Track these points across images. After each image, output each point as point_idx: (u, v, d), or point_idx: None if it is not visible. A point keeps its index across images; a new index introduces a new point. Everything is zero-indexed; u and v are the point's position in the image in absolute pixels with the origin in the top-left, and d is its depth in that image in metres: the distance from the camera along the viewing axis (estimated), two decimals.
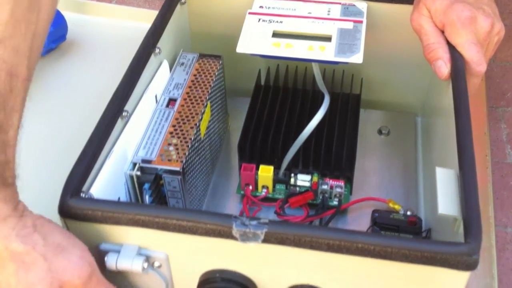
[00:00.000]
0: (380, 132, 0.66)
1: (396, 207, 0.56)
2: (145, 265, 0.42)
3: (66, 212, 0.41)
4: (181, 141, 0.52)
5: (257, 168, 0.57)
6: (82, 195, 0.42)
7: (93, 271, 0.40)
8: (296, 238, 0.39)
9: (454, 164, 0.45)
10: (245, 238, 0.40)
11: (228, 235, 0.40)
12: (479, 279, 0.51)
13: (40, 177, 0.55)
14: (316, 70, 0.59)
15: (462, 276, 0.39)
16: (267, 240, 0.39)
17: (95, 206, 0.41)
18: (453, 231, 0.43)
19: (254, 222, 0.39)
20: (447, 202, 0.42)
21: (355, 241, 0.38)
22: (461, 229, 0.41)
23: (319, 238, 0.39)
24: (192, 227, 0.40)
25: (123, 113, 0.49)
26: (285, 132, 0.58)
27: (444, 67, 0.51)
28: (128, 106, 0.50)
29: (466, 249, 0.38)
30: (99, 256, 0.43)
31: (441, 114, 0.55)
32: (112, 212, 0.41)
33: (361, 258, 0.39)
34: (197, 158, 0.54)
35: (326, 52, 0.53)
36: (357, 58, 0.53)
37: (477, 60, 0.51)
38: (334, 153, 0.57)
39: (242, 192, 0.58)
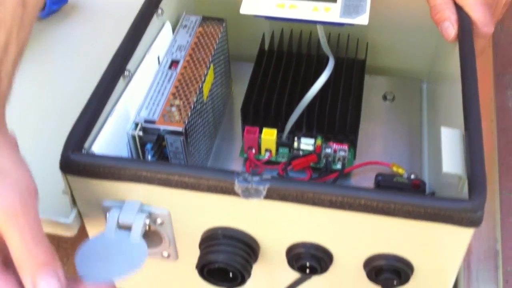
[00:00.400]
0: (385, 98, 0.65)
1: (400, 171, 0.55)
2: (147, 221, 0.42)
3: (67, 167, 0.41)
4: (183, 103, 0.51)
5: (260, 131, 0.56)
6: (84, 151, 0.42)
7: (23, 212, 0.35)
8: (299, 194, 0.39)
9: (459, 125, 0.44)
10: (247, 194, 0.39)
11: (230, 191, 0.39)
12: (482, 241, 0.51)
13: (43, 135, 0.54)
14: (320, 32, 0.58)
15: (466, 233, 0.38)
16: (269, 196, 0.39)
17: (97, 161, 0.41)
18: (457, 192, 0.43)
19: (256, 178, 0.39)
20: (451, 161, 0.42)
21: (358, 197, 0.38)
22: (465, 189, 0.40)
23: (322, 194, 0.38)
24: (194, 183, 0.40)
25: (125, 73, 0.49)
26: (289, 96, 0.58)
27: (451, 29, 0.50)
28: (130, 66, 0.49)
29: (470, 205, 0.37)
30: (102, 212, 0.43)
31: (448, 79, 0.54)
32: (114, 168, 0.40)
33: (364, 215, 0.39)
34: (199, 120, 0.54)
35: (331, 13, 0.52)
36: (362, 19, 0.52)
37: (484, 21, 0.50)
38: (338, 117, 0.56)
39: (245, 155, 0.58)
